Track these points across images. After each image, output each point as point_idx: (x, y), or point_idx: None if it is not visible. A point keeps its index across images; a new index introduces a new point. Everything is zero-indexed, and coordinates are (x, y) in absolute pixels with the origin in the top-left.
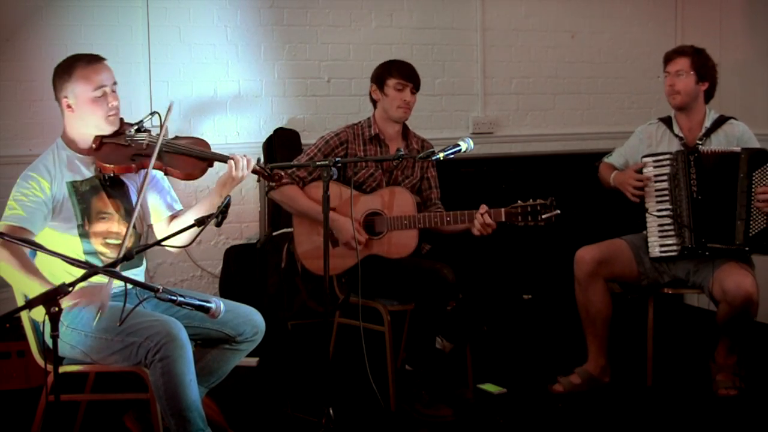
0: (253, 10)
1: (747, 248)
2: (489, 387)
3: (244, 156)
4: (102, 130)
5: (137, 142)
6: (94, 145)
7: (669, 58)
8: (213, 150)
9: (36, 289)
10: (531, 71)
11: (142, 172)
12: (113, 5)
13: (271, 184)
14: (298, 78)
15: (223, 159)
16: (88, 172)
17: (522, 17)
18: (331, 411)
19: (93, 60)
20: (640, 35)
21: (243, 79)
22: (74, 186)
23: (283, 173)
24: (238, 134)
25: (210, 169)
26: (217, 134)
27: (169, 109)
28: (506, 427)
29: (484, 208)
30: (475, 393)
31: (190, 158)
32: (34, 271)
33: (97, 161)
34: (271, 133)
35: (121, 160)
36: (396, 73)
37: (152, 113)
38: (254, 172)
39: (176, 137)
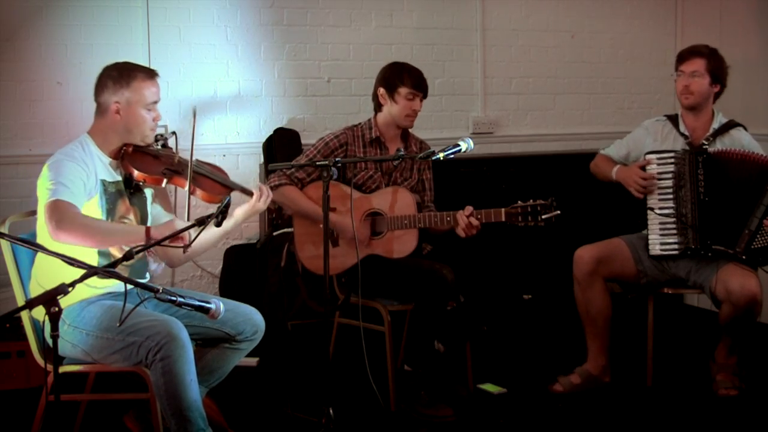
0: (253, 10)
1: (744, 257)
2: (489, 387)
3: (266, 188)
4: (139, 141)
5: (168, 157)
6: (126, 151)
7: (684, 57)
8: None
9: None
10: (531, 71)
11: (166, 188)
12: (113, 5)
13: (278, 221)
14: (298, 78)
15: (247, 192)
16: (115, 175)
17: (522, 17)
18: (331, 411)
19: (152, 74)
20: (640, 35)
21: (243, 79)
22: (104, 184)
23: (293, 207)
24: (238, 134)
25: None
26: (217, 134)
27: (194, 116)
28: (506, 427)
29: (469, 209)
30: (473, 391)
31: (216, 184)
32: (115, 233)
33: (130, 167)
34: (271, 133)
35: (153, 171)
36: (409, 82)
37: (172, 133)
38: (268, 210)
39: (198, 160)
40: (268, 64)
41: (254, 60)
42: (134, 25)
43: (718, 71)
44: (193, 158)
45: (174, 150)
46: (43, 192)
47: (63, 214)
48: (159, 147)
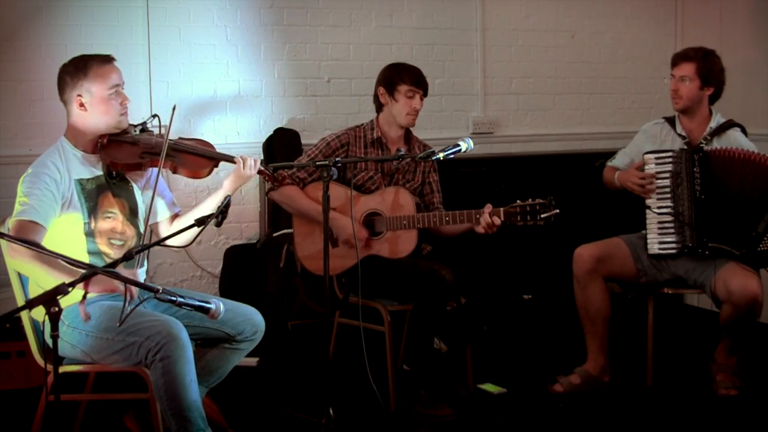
0: (253, 10)
1: (750, 258)
2: (489, 387)
3: (251, 157)
4: (112, 129)
5: (145, 140)
6: (102, 143)
7: (675, 62)
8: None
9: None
10: (531, 71)
11: (150, 171)
12: (113, 5)
13: (274, 184)
14: (298, 78)
15: (230, 159)
16: (95, 170)
17: (522, 17)
18: (331, 411)
19: (107, 60)
20: (640, 35)
21: (243, 79)
22: (81, 184)
23: (285, 173)
24: (238, 134)
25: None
26: (217, 134)
27: (173, 110)
28: (506, 427)
29: (489, 207)
30: (473, 391)
31: (199, 157)
32: (54, 265)
33: (107, 158)
34: (271, 133)
35: (130, 158)
36: (408, 79)
37: (153, 116)
38: (259, 172)
39: (180, 138)
40: (268, 64)
41: (254, 60)
42: (134, 25)
43: (709, 74)
44: (171, 138)
45: (155, 133)
46: (16, 205)
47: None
48: (137, 132)
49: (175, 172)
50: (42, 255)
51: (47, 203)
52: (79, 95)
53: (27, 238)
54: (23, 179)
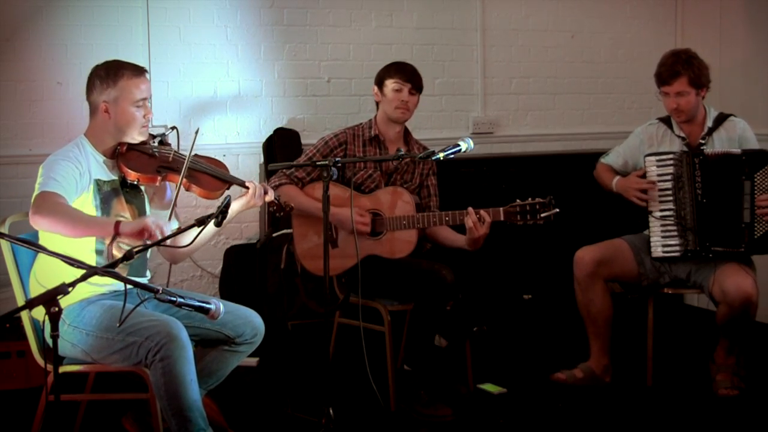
0: (253, 10)
1: (751, 250)
2: (489, 387)
3: (262, 185)
4: (132, 140)
5: (163, 154)
6: (120, 151)
7: (665, 80)
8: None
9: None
10: (531, 71)
11: (162, 185)
12: (113, 5)
13: (279, 214)
14: (298, 78)
15: (242, 184)
16: (111, 175)
17: (522, 17)
18: (331, 411)
19: (139, 71)
20: (640, 35)
21: (243, 79)
22: (98, 184)
23: (292, 204)
24: (238, 134)
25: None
26: (217, 134)
27: (196, 133)
28: (506, 427)
29: (471, 209)
30: (473, 391)
31: (214, 179)
32: (85, 223)
33: (123, 167)
34: (271, 133)
35: (147, 170)
36: (394, 74)
37: (172, 128)
38: (269, 204)
39: (196, 155)
40: (268, 64)
41: (254, 60)
42: (134, 25)
43: (700, 79)
44: (190, 155)
45: (173, 146)
46: (39, 181)
47: (43, 202)
48: (156, 143)
49: (188, 190)
50: (68, 215)
51: (70, 183)
52: (106, 101)
53: (48, 200)
54: (43, 164)
